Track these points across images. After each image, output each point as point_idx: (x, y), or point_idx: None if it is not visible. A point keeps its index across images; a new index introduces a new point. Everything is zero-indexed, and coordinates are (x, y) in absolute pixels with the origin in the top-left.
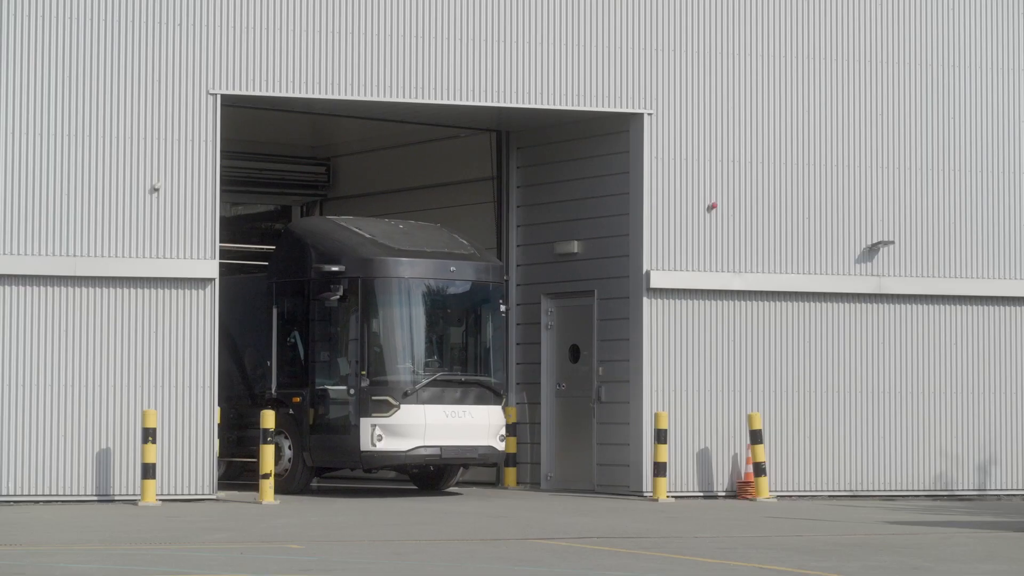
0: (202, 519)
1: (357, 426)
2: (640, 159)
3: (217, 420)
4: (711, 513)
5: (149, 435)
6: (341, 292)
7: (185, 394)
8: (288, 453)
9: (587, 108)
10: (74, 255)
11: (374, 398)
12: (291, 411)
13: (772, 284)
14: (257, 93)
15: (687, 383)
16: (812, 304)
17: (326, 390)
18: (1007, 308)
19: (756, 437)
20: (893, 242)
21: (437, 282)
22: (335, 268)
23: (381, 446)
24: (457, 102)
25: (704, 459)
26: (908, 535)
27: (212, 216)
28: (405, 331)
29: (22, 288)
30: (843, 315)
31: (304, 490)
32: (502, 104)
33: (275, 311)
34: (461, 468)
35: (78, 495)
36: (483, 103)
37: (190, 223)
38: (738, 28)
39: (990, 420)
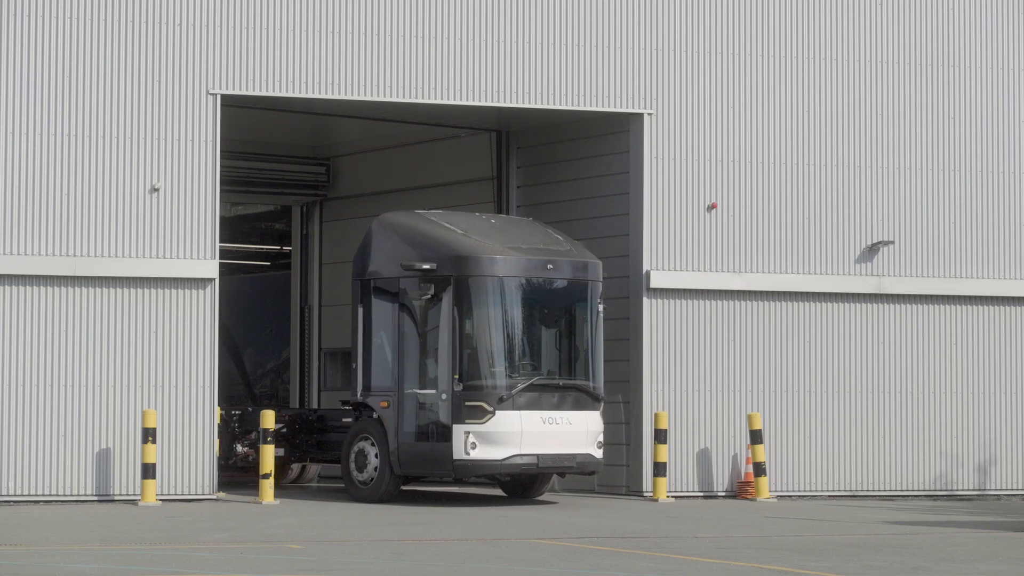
0: (202, 519)
1: (449, 433)
2: (640, 159)
3: (217, 420)
4: (711, 513)
5: (149, 435)
6: (432, 291)
7: (185, 394)
8: (374, 460)
9: (587, 108)
10: (74, 255)
11: (468, 404)
12: (376, 416)
13: (772, 284)
14: (257, 93)
15: (687, 383)
16: (812, 304)
17: (416, 395)
18: (1007, 308)
19: (756, 437)
20: (893, 242)
21: (534, 281)
22: (426, 266)
23: (475, 454)
24: (457, 102)
25: (704, 459)
26: (908, 535)
27: (212, 216)
28: (500, 333)
29: (22, 288)
30: (843, 315)
31: (392, 499)
32: (502, 104)
33: (360, 311)
34: (554, 475)
35: (78, 495)
36: (483, 103)
37: (190, 223)
38: (738, 28)
39: (990, 420)
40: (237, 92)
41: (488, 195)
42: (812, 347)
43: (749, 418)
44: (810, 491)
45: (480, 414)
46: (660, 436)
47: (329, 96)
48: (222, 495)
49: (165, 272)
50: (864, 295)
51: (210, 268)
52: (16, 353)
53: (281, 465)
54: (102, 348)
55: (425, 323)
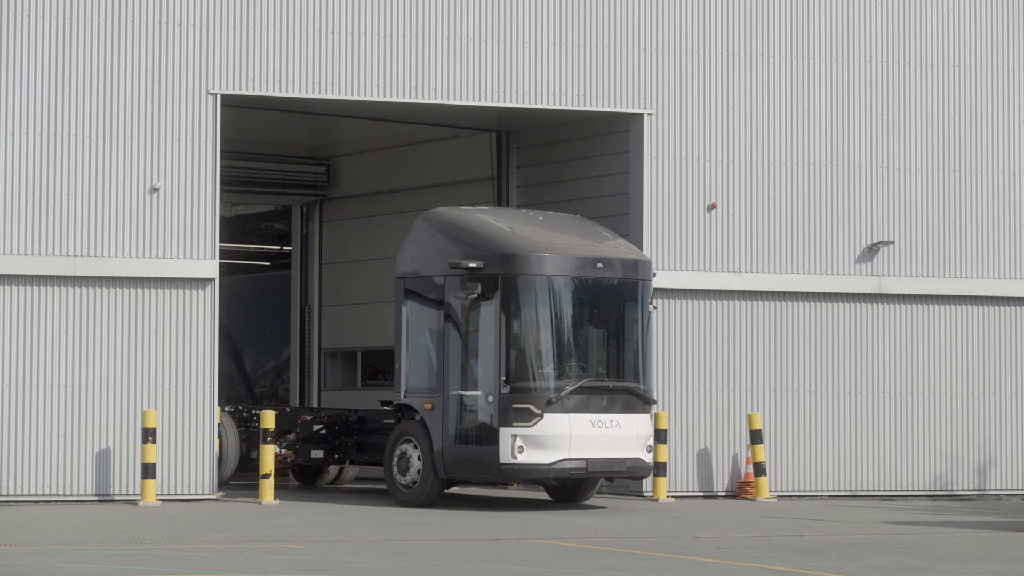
0: (202, 519)
1: (496, 436)
2: (640, 159)
3: (217, 420)
4: (711, 513)
5: (149, 435)
6: (479, 290)
7: (185, 394)
8: (417, 463)
9: (587, 108)
10: (74, 255)
11: (515, 406)
12: (419, 417)
13: (772, 284)
14: (257, 93)
15: (687, 383)
16: (812, 304)
17: (461, 396)
18: (1007, 308)
19: (756, 437)
20: (893, 242)
21: (583, 279)
22: (473, 264)
23: (522, 458)
24: (457, 102)
25: (704, 459)
26: (908, 535)
27: (212, 216)
28: (549, 333)
29: (22, 288)
30: (843, 315)
31: (434, 503)
32: (502, 104)
33: (404, 310)
34: (601, 479)
35: (78, 495)
36: (483, 103)
37: (190, 223)
38: (738, 28)
39: (990, 420)
40: (237, 92)
41: (488, 195)
42: (812, 347)
43: (749, 418)
44: (810, 491)
45: (528, 417)
46: (660, 436)
47: (329, 96)
48: (222, 495)
49: (165, 272)
50: (864, 295)
51: (210, 268)
52: (16, 353)
53: (318, 466)
54: (102, 348)
55: (471, 323)
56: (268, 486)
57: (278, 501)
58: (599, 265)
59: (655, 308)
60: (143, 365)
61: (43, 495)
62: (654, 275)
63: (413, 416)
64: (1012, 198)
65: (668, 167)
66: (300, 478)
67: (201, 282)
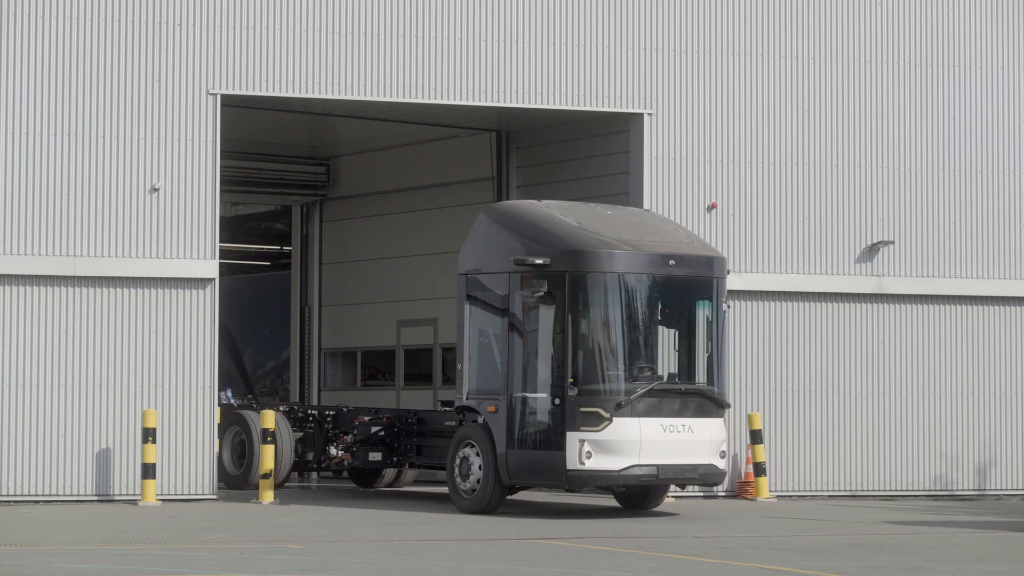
0: (202, 519)
1: (563, 441)
2: (640, 159)
3: (216, 420)
4: (711, 513)
5: (149, 435)
6: (545, 288)
7: (185, 394)
8: (478, 469)
9: (587, 108)
10: (74, 255)
11: (583, 409)
12: (481, 421)
13: (772, 284)
14: (257, 93)
15: None
16: (812, 304)
17: (526, 399)
18: (1007, 308)
19: (756, 437)
20: (893, 242)
21: (655, 277)
22: (539, 261)
23: (590, 464)
24: (457, 102)
25: None
26: (908, 535)
27: (212, 216)
28: (619, 334)
29: (22, 288)
30: (843, 315)
31: (497, 510)
32: (502, 104)
33: (467, 308)
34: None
35: (78, 495)
36: (483, 103)
37: (190, 223)
38: (738, 28)
39: (990, 420)
40: (237, 92)
41: (488, 195)
42: (812, 347)
43: (749, 418)
44: (810, 491)
45: (596, 421)
46: None
47: (329, 96)
48: (222, 495)
49: (165, 272)
50: (864, 295)
51: (210, 268)
52: (16, 353)
53: (375, 469)
54: (102, 348)
55: (536, 322)
56: (268, 486)
57: (278, 501)
58: (672, 262)
59: (728, 307)
60: (143, 365)
61: (43, 495)
62: (728, 272)
63: (475, 419)
64: (1012, 198)
65: (668, 167)
66: (356, 480)
67: (201, 282)
